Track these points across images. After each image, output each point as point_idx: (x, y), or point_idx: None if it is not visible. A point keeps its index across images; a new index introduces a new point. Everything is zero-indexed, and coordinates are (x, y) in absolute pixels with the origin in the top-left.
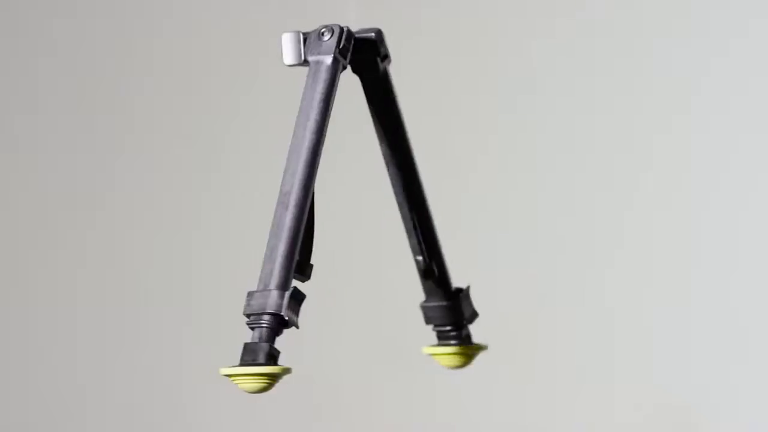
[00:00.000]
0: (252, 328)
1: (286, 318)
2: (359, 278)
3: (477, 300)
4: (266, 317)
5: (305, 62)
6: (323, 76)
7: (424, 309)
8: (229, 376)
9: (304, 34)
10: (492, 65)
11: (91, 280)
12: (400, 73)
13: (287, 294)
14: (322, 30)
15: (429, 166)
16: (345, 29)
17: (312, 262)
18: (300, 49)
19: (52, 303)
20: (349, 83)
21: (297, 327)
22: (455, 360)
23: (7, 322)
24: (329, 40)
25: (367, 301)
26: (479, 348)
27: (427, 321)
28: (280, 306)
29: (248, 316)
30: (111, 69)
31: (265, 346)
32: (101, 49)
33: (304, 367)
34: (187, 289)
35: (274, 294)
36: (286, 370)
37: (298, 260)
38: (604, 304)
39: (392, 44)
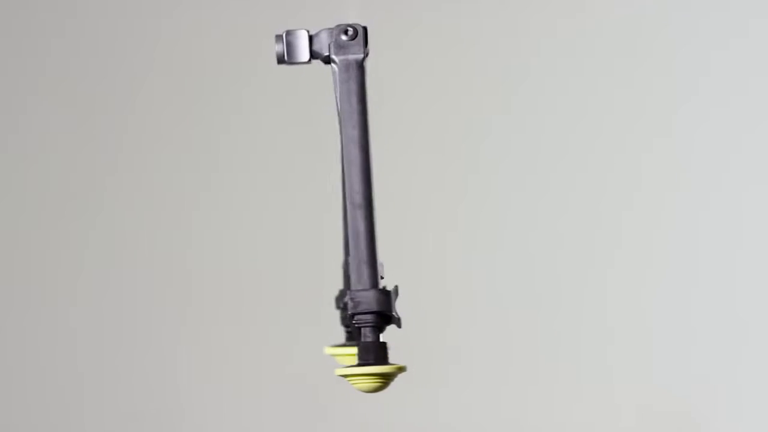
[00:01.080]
0: (360, 327)
1: (397, 316)
2: None
3: (477, 300)
4: (373, 316)
5: (328, 61)
6: (358, 76)
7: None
8: (345, 376)
9: (308, 32)
10: (492, 65)
11: (91, 280)
12: (399, 72)
13: (392, 292)
14: (346, 29)
15: (428, 166)
16: (365, 29)
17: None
18: (309, 47)
19: (52, 303)
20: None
21: (399, 326)
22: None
23: (7, 322)
24: (356, 40)
25: None
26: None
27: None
28: (387, 304)
29: (353, 315)
30: (111, 69)
31: (380, 345)
32: (101, 49)
33: (304, 367)
34: (187, 288)
35: (377, 293)
36: (402, 369)
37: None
38: (605, 304)
39: (392, 44)
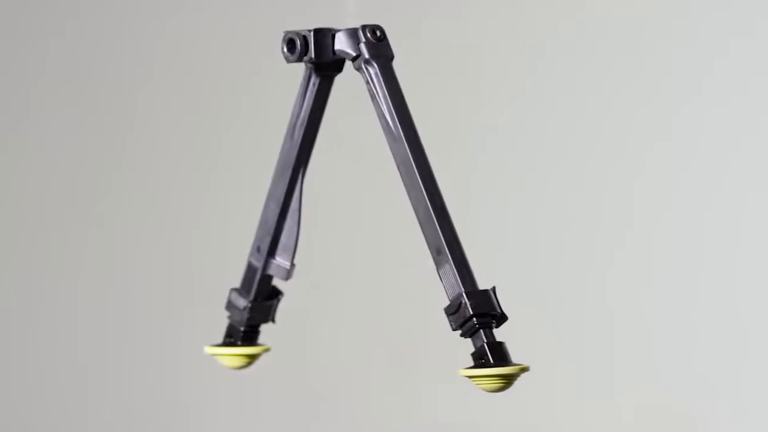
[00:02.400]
0: (479, 329)
1: (507, 316)
2: (360, 278)
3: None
4: (490, 317)
5: (361, 60)
6: (392, 75)
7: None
8: (471, 377)
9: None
10: (492, 65)
11: (91, 280)
12: (399, 72)
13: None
14: (374, 29)
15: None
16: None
17: (311, 261)
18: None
19: (52, 302)
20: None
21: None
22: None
23: (7, 322)
24: (385, 40)
25: (367, 302)
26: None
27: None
28: (498, 305)
29: (473, 317)
30: (111, 69)
31: (504, 346)
32: (101, 49)
33: (304, 367)
34: (188, 288)
35: (489, 294)
36: (525, 369)
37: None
38: (605, 304)
39: (392, 44)
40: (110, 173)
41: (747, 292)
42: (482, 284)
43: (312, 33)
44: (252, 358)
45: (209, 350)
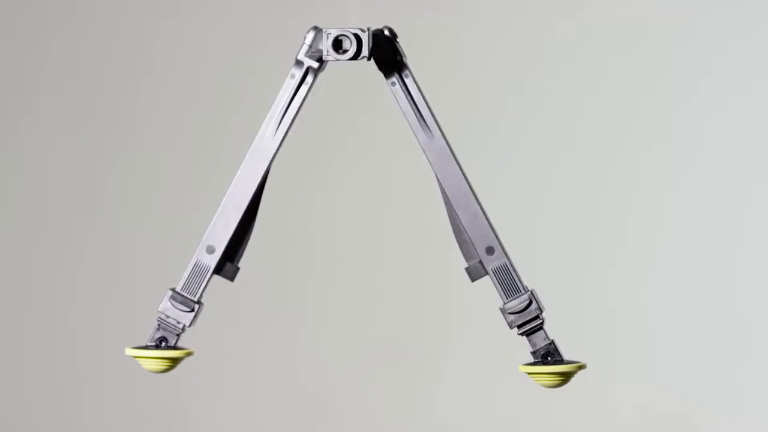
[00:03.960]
0: (541, 328)
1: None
2: (360, 278)
3: (478, 300)
4: (541, 318)
5: (401, 64)
6: (413, 76)
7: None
8: (531, 374)
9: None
10: (492, 65)
11: (91, 280)
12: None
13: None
14: (391, 29)
15: (428, 166)
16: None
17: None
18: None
19: (52, 302)
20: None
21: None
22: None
23: (8, 322)
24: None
25: (367, 302)
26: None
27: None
28: (541, 306)
29: (538, 317)
30: (111, 69)
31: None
32: (101, 49)
33: (304, 367)
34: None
35: (532, 295)
36: (582, 367)
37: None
38: (605, 304)
39: None
40: (110, 173)
41: (747, 292)
42: (482, 283)
43: (368, 32)
44: (176, 363)
45: (131, 352)
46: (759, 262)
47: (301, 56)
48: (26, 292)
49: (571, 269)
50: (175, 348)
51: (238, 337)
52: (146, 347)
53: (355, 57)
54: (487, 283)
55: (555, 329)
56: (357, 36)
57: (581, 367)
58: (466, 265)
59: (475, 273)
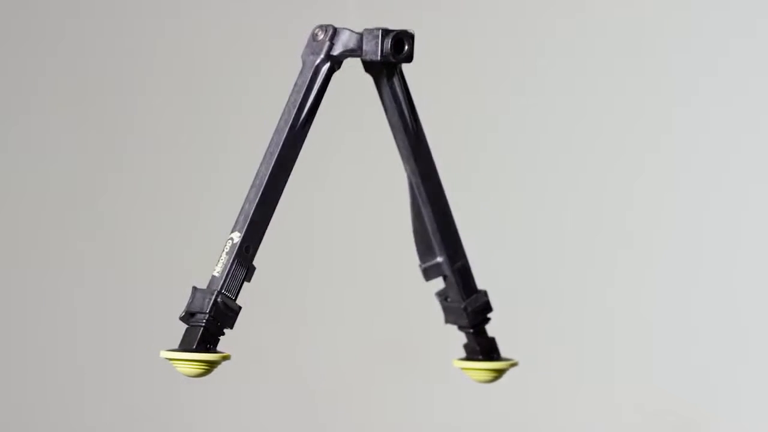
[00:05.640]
0: (484, 328)
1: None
2: (360, 278)
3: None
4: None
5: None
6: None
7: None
8: (469, 369)
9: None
10: (492, 65)
11: (91, 280)
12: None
13: None
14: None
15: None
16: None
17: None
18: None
19: (52, 302)
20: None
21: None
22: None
23: (7, 322)
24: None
25: (367, 302)
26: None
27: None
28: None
29: (485, 318)
30: (111, 69)
31: None
32: (101, 49)
33: (304, 367)
34: (187, 288)
35: (485, 294)
36: (514, 364)
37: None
38: (605, 304)
39: None
40: (110, 173)
41: (747, 292)
42: (482, 283)
43: (409, 33)
44: (214, 366)
45: (167, 354)
46: (759, 262)
47: (337, 53)
48: (26, 292)
49: (571, 269)
50: (215, 351)
51: (238, 336)
52: (191, 350)
53: (409, 59)
54: (487, 282)
55: (555, 329)
56: (412, 37)
57: (514, 364)
58: (420, 264)
59: (432, 273)
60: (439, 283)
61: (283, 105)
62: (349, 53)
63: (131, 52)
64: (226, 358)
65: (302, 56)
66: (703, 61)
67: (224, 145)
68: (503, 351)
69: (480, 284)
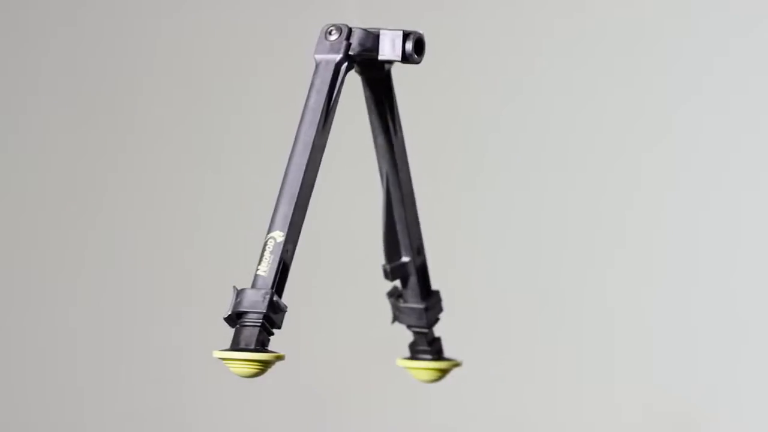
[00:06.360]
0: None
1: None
2: (361, 277)
3: (478, 300)
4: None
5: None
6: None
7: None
8: (414, 368)
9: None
10: (492, 65)
11: (91, 280)
12: (399, 73)
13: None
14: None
15: (427, 166)
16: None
17: (319, 261)
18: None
19: (52, 302)
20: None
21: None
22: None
23: (7, 322)
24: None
25: (367, 301)
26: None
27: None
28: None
29: (437, 317)
30: (111, 69)
31: None
32: (101, 49)
33: (304, 367)
34: (187, 288)
35: (438, 294)
36: (458, 364)
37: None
38: (605, 304)
39: None
40: (110, 173)
41: (746, 292)
42: (483, 283)
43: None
44: (268, 367)
45: (222, 354)
46: (759, 262)
47: (354, 52)
48: (26, 292)
49: (571, 269)
50: (269, 351)
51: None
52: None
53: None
54: (487, 282)
55: (555, 329)
56: (423, 39)
57: (458, 365)
58: (386, 264)
59: (397, 273)
60: (386, 284)
61: (286, 105)
62: (366, 53)
63: (131, 52)
64: (279, 358)
65: (316, 55)
66: (703, 61)
67: (224, 145)
68: (503, 351)
69: (480, 284)
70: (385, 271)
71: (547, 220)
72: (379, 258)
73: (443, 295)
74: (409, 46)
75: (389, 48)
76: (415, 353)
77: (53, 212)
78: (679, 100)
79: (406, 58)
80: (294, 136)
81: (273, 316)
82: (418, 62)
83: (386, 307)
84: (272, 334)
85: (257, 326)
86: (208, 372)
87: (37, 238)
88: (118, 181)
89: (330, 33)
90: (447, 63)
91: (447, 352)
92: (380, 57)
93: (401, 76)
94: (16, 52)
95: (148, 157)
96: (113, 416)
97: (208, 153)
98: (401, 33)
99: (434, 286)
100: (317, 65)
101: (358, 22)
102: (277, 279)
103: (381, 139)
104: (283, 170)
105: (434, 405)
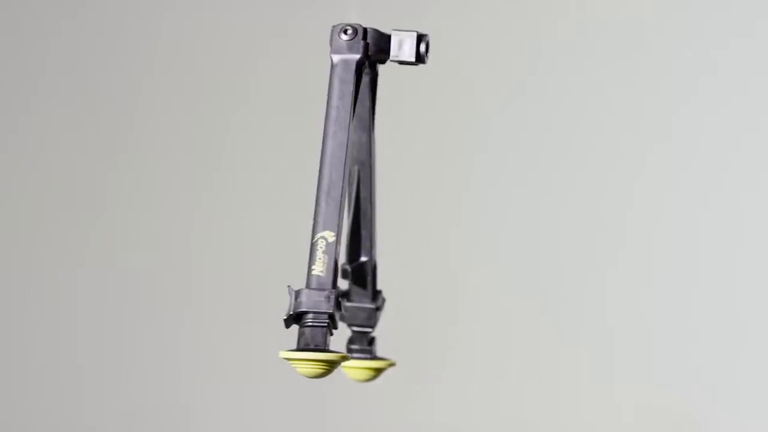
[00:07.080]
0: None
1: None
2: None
3: (478, 300)
4: None
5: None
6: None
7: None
8: (356, 368)
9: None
10: (492, 65)
11: (91, 280)
12: (399, 73)
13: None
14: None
15: (427, 166)
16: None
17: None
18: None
19: (52, 302)
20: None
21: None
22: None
23: (7, 322)
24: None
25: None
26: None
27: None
28: None
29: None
30: (111, 69)
31: None
32: (101, 49)
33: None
34: (187, 288)
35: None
36: (392, 364)
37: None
38: (605, 304)
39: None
40: (110, 173)
41: (746, 292)
42: (483, 283)
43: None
44: (335, 367)
45: (288, 355)
46: (759, 262)
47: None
48: (26, 292)
49: (571, 269)
50: (331, 351)
51: (238, 336)
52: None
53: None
54: (487, 282)
55: (555, 329)
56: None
57: (392, 364)
58: (347, 264)
59: (356, 273)
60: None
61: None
62: (382, 54)
63: (131, 52)
64: (345, 358)
65: (333, 54)
66: (704, 61)
67: (224, 145)
68: (503, 351)
69: (480, 284)
70: (345, 271)
71: (547, 220)
72: (379, 258)
73: (443, 295)
74: (423, 48)
75: (405, 49)
76: (351, 352)
77: (53, 212)
78: (680, 101)
79: (419, 60)
80: (322, 137)
81: (336, 315)
82: (425, 63)
83: (386, 307)
84: (332, 334)
85: (324, 326)
86: (208, 372)
87: (37, 238)
88: (119, 180)
89: (345, 32)
90: (447, 63)
91: (447, 351)
92: (392, 58)
93: (401, 76)
94: (17, 52)
95: (149, 157)
96: (113, 416)
97: (209, 153)
98: (415, 34)
99: (434, 285)
100: (335, 65)
101: (358, 22)
102: (334, 279)
103: (362, 137)
104: (317, 170)
105: (433, 404)
